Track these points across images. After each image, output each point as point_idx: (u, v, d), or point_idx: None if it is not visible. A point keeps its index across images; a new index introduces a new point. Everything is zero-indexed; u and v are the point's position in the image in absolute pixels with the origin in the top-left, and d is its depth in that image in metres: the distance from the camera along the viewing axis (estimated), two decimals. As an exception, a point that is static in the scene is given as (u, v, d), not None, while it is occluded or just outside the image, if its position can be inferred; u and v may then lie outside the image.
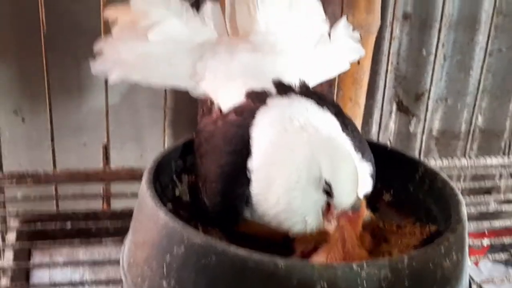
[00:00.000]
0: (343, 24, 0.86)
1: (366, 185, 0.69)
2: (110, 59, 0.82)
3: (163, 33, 0.79)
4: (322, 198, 0.62)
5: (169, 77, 0.82)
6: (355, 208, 0.63)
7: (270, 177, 0.63)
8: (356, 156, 0.67)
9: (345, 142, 0.67)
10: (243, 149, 0.66)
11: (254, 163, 0.65)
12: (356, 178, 0.63)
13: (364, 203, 0.66)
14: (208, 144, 0.70)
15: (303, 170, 0.62)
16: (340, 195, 0.62)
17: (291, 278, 0.53)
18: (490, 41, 1.23)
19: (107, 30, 0.87)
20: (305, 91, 0.73)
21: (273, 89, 0.72)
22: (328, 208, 0.63)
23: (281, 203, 0.63)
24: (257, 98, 0.70)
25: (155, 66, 0.81)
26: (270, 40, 0.80)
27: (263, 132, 0.66)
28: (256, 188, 0.64)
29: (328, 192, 0.62)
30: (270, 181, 0.63)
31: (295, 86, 0.73)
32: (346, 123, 0.70)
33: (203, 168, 0.69)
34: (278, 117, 0.67)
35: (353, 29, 0.88)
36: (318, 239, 0.64)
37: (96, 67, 0.83)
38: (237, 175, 0.65)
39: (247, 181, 0.65)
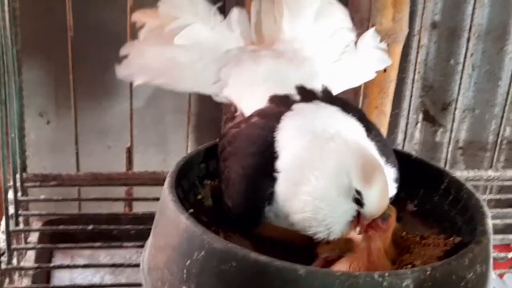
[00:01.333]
0: (370, 34, 0.86)
1: (391, 190, 0.68)
2: (135, 63, 0.83)
3: (190, 38, 0.80)
4: (352, 207, 0.62)
5: (194, 83, 0.83)
6: (385, 218, 0.62)
7: (298, 181, 0.63)
8: (381, 161, 0.67)
9: (371, 148, 0.66)
10: (266, 151, 0.65)
11: (283, 164, 0.64)
12: (387, 188, 0.63)
13: (394, 213, 0.65)
14: (232, 147, 0.69)
15: (332, 179, 0.62)
16: (370, 204, 0.61)
17: (312, 285, 0.53)
18: (519, 51, 1.21)
19: (134, 35, 0.88)
20: (329, 97, 0.73)
21: (296, 95, 0.72)
22: (358, 217, 0.62)
23: (307, 211, 0.62)
24: (281, 103, 0.70)
25: (180, 71, 0.81)
26: (295, 48, 0.80)
27: (291, 136, 0.66)
28: (283, 190, 0.64)
29: (359, 201, 0.61)
30: (298, 186, 0.63)
31: (318, 92, 0.73)
32: (370, 128, 0.70)
33: (227, 170, 0.69)
34: (304, 122, 0.67)
35: (381, 38, 0.87)
36: (343, 247, 0.63)
37: (122, 71, 0.84)
38: (260, 176, 0.65)
39: (271, 182, 0.64)
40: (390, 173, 0.69)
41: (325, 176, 0.62)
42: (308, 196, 0.62)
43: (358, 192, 0.61)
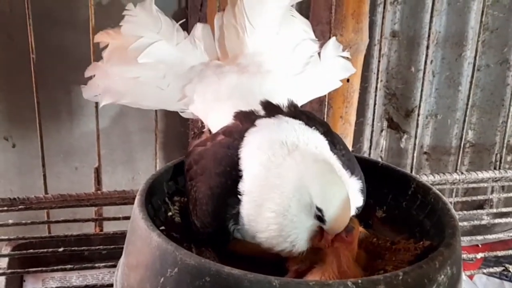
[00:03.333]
0: (332, 43, 0.87)
1: (357, 202, 0.69)
2: (100, 83, 0.82)
3: (153, 56, 0.79)
4: (314, 223, 0.62)
5: (159, 101, 0.83)
6: (348, 230, 0.63)
7: (261, 201, 0.63)
8: (345, 175, 0.67)
9: (334, 162, 0.67)
10: (232, 170, 0.65)
11: (245, 186, 0.64)
12: (348, 203, 0.63)
13: (357, 224, 0.66)
14: (198, 166, 0.69)
15: (293, 197, 0.62)
16: (331, 221, 0.62)
17: (286, 296, 0.53)
18: (478, 57, 1.24)
19: (97, 56, 0.87)
20: (294, 110, 0.73)
21: (261, 110, 0.72)
22: (321, 232, 0.63)
23: (272, 229, 0.62)
24: (245, 119, 0.70)
25: (145, 90, 0.81)
26: (257, 61, 0.80)
27: (252, 154, 0.66)
28: (247, 210, 0.64)
29: (320, 217, 0.62)
30: (261, 205, 0.63)
31: (283, 106, 0.73)
32: (335, 142, 0.70)
33: (193, 190, 0.69)
34: (266, 139, 0.66)
35: (342, 48, 0.89)
36: (313, 258, 0.64)
37: (87, 92, 0.84)
38: (226, 197, 0.65)
39: (238, 202, 0.64)
40: (356, 185, 0.69)
41: (285, 195, 0.62)
42: (271, 213, 0.62)
43: (318, 209, 0.61)
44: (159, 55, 0.80)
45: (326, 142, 0.69)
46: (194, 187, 0.69)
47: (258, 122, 0.69)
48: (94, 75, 0.84)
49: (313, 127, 0.69)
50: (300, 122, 0.69)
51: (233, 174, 0.65)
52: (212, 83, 0.78)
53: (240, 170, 0.65)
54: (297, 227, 0.62)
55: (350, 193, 0.65)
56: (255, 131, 0.68)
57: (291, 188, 0.62)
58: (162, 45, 0.80)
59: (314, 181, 0.62)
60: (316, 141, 0.68)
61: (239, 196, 0.64)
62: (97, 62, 0.85)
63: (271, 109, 0.72)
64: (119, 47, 0.81)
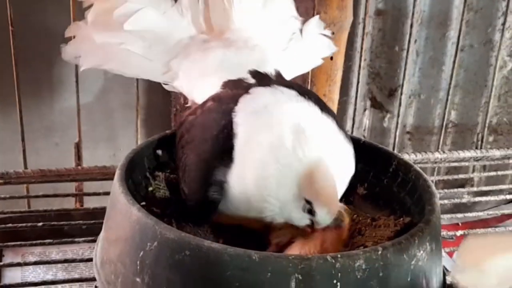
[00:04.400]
0: (315, 21, 0.87)
1: (350, 169, 0.68)
2: (82, 47, 0.80)
3: (140, 24, 0.78)
4: (304, 216, 0.62)
5: (143, 71, 0.81)
6: (338, 224, 0.63)
7: (253, 167, 0.62)
8: (341, 136, 0.66)
9: (337, 137, 0.66)
10: (221, 135, 0.64)
11: (237, 151, 0.63)
12: (336, 198, 0.63)
13: (348, 219, 0.66)
14: (189, 134, 0.68)
15: (286, 168, 0.61)
16: (320, 214, 0.62)
17: (266, 270, 0.53)
18: (461, 37, 1.24)
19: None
20: (283, 81, 0.72)
21: (251, 79, 0.71)
22: (311, 224, 0.63)
23: (260, 193, 0.62)
24: (236, 86, 0.69)
25: (129, 58, 0.79)
26: (244, 36, 0.79)
27: (249, 121, 0.64)
28: (237, 175, 0.63)
29: (310, 210, 0.62)
30: (251, 169, 0.62)
31: (272, 76, 0.72)
32: (326, 111, 0.68)
33: (184, 157, 0.68)
34: (262, 106, 0.65)
35: (326, 26, 0.88)
36: (295, 232, 0.64)
37: (68, 52, 0.81)
38: (215, 161, 0.64)
39: (227, 166, 0.63)
40: (350, 150, 0.67)
41: (280, 164, 0.61)
42: (262, 178, 0.62)
43: (307, 202, 0.61)
44: (146, 23, 0.78)
45: (321, 113, 0.67)
46: (184, 154, 0.68)
47: (252, 90, 0.68)
48: (76, 36, 0.82)
49: (306, 96, 0.68)
50: (294, 91, 0.68)
51: (222, 139, 0.64)
52: (198, 58, 0.77)
53: (231, 136, 0.64)
54: (283, 188, 0.62)
55: (342, 166, 0.64)
56: (250, 98, 0.66)
57: (287, 181, 0.61)
58: (149, 12, 0.78)
59: (305, 175, 0.61)
60: (311, 112, 0.66)
61: (231, 157, 0.63)
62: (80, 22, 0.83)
63: (261, 78, 0.71)
64: (104, 9, 0.79)
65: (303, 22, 0.86)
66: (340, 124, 0.69)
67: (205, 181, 0.64)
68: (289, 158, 0.61)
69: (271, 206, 0.62)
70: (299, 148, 0.62)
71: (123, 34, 0.78)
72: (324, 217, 0.62)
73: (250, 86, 0.69)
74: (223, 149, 0.64)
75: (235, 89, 0.69)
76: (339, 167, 0.64)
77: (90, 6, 0.81)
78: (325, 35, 0.88)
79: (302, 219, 0.63)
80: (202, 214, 0.66)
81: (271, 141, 0.62)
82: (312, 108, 0.67)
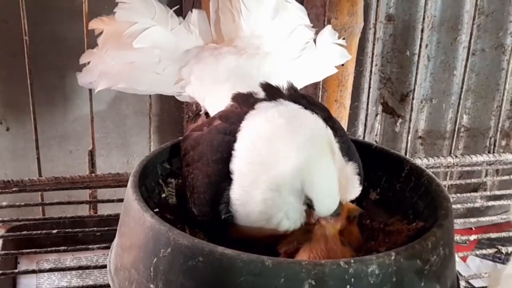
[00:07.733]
0: (328, 30, 0.87)
1: (354, 190, 0.69)
2: (96, 69, 0.82)
3: (148, 41, 0.79)
4: (302, 207, 0.62)
5: (155, 85, 0.83)
6: (334, 215, 0.63)
7: (252, 181, 0.62)
8: (342, 162, 0.66)
9: (332, 150, 0.65)
10: (229, 157, 0.64)
11: (235, 166, 0.63)
12: (337, 194, 0.62)
13: (355, 210, 0.66)
14: (195, 151, 0.68)
15: (286, 183, 0.61)
16: (320, 209, 0.62)
17: (279, 276, 0.53)
18: (473, 41, 1.24)
19: (91, 41, 0.87)
20: (294, 94, 0.71)
21: (261, 92, 0.70)
22: (309, 212, 0.63)
23: (261, 208, 0.62)
24: (244, 103, 0.69)
25: (140, 74, 0.81)
26: (255, 43, 0.80)
27: (247, 137, 0.64)
28: (237, 190, 0.63)
29: (309, 204, 0.62)
30: (253, 184, 0.62)
31: (283, 88, 0.71)
32: (335, 128, 0.68)
33: (190, 177, 0.68)
34: (265, 124, 0.65)
35: (338, 32, 0.88)
36: (301, 239, 0.64)
37: (83, 78, 0.84)
38: (225, 183, 0.64)
39: (230, 184, 0.64)
40: (354, 172, 0.68)
41: (280, 178, 0.61)
42: (261, 193, 0.62)
43: (308, 198, 0.61)
44: (154, 39, 0.80)
45: (327, 128, 0.66)
46: (191, 173, 0.67)
47: (258, 105, 0.67)
48: (88, 62, 0.84)
49: (314, 112, 0.67)
50: (301, 106, 0.67)
51: (230, 161, 0.64)
52: (209, 64, 0.78)
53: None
54: (287, 206, 0.62)
55: (345, 180, 0.64)
56: (254, 115, 0.66)
57: (285, 174, 0.61)
58: (157, 30, 0.80)
59: (307, 172, 0.61)
60: (315, 127, 0.66)
61: (231, 179, 0.63)
62: (92, 49, 0.85)
63: (271, 92, 0.70)
64: (114, 33, 0.81)
65: (317, 32, 0.86)
66: (350, 144, 0.70)
67: (215, 203, 0.64)
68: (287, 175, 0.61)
69: (275, 214, 0.62)
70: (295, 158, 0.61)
71: (133, 52, 0.79)
72: (322, 211, 0.62)
73: (257, 101, 0.68)
74: (231, 170, 0.64)
75: (243, 105, 0.68)
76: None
77: (101, 32, 0.83)
78: (338, 43, 0.88)
79: (301, 213, 0.63)
80: (212, 231, 0.67)
81: (268, 157, 0.62)
82: (317, 126, 0.66)
